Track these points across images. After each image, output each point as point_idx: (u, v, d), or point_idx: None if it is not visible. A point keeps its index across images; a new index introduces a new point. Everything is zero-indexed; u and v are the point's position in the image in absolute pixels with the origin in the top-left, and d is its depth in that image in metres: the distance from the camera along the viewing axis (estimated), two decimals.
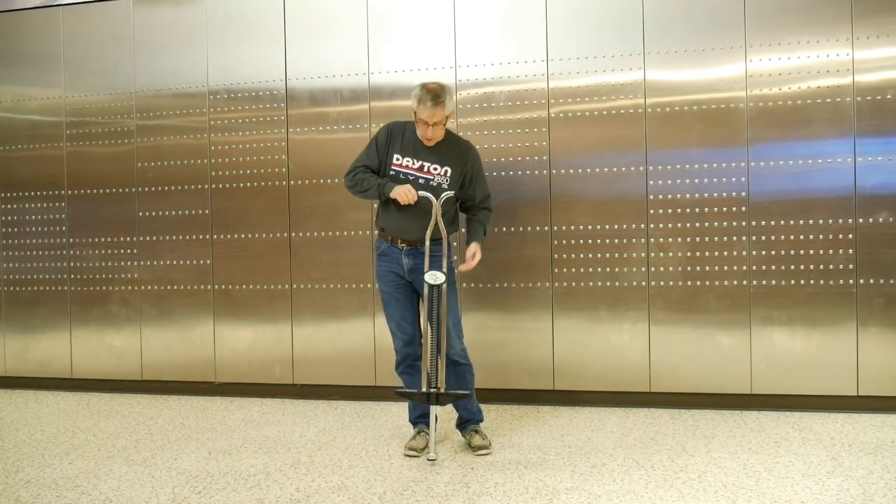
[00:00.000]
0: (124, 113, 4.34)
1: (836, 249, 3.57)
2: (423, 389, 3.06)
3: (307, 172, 4.09)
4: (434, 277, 3.03)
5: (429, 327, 3.07)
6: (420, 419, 3.25)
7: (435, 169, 3.14)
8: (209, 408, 4.01)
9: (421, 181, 3.13)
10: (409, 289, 3.19)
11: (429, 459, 3.01)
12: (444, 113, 3.06)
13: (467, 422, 3.24)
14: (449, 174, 3.15)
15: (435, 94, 3.04)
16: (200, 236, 4.25)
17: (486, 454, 3.11)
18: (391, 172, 3.16)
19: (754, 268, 3.65)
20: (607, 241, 3.78)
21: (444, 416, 3.44)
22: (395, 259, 3.17)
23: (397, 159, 3.16)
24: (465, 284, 3.79)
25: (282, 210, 4.12)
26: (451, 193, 3.09)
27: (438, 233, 3.08)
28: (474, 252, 3.17)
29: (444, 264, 3.08)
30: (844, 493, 2.63)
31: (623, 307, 3.77)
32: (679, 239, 3.71)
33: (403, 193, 3.04)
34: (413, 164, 3.14)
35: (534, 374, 3.86)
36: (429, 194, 3.06)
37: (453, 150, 3.19)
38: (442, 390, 3.05)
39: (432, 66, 3.94)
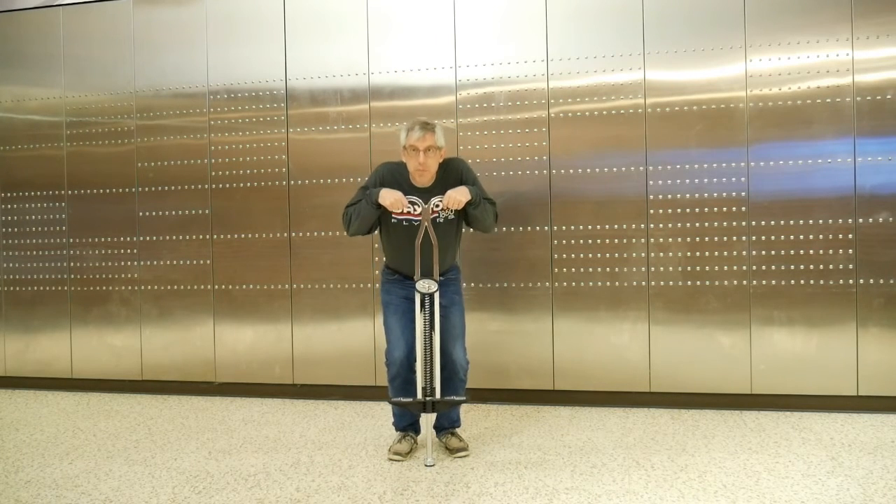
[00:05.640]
0: (124, 113, 4.34)
1: (836, 249, 3.58)
2: (419, 398, 3.00)
3: (307, 172, 4.09)
4: (425, 286, 3.01)
5: (422, 336, 3.02)
6: (409, 427, 3.21)
7: (437, 206, 3.06)
8: (209, 408, 4.01)
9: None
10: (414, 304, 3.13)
11: (427, 465, 2.99)
12: (435, 139, 2.99)
13: (446, 425, 3.21)
14: None
15: (424, 121, 3.03)
16: (200, 236, 4.25)
17: (465, 456, 3.09)
18: (393, 221, 3.08)
19: (754, 268, 3.65)
20: (607, 241, 3.78)
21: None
22: (405, 288, 3.12)
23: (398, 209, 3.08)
24: (465, 284, 3.78)
25: (282, 210, 4.12)
26: (441, 197, 3.03)
27: (444, 262, 3.06)
28: (457, 192, 3.00)
29: (436, 275, 3.04)
30: (844, 493, 2.63)
31: (623, 307, 3.77)
32: (679, 239, 3.71)
33: (393, 202, 2.99)
34: (415, 210, 3.06)
35: (534, 374, 3.86)
36: (418, 199, 3.04)
37: (445, 177, 3.10)
38: (437, 397, 3.00)
39: (432, 66, 3.94)
